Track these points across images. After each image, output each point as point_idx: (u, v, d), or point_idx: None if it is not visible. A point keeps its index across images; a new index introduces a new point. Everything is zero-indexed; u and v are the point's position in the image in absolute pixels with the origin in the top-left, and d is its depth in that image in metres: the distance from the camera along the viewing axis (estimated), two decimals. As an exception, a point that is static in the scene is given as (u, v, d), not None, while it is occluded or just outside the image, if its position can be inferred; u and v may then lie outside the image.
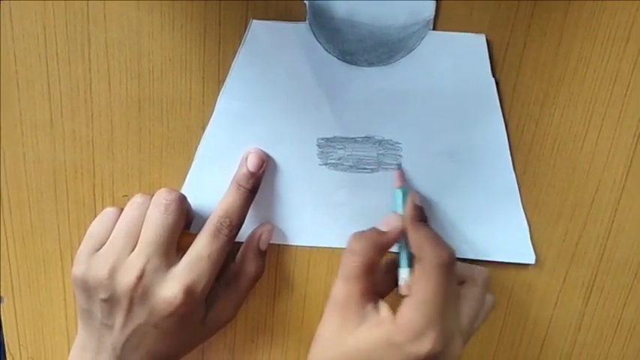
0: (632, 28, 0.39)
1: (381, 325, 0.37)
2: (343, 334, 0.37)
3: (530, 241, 0.44)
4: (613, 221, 0.44)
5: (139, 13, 0.39)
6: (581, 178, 0.43)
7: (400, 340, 0.36)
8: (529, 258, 0.44)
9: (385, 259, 0.41)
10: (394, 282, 0.40)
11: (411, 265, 0.39)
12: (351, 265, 0.38)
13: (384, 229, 0.39)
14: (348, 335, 0.37)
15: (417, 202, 0.41)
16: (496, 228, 0.44)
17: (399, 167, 0.42)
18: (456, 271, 0.38)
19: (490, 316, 0.46)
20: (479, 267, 0.42)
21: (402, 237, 0.40)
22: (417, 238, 0.38)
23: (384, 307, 0.38)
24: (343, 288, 0.38)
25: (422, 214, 0.41)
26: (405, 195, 0.41)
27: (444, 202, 0.43)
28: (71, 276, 0.41)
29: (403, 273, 0.39)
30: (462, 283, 0.40)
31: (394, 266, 0.41)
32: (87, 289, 0.40)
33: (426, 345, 0.35)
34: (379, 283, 0.40)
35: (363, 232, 0.39)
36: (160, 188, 0.41)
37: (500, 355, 0.48)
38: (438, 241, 0.38)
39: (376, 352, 0.36)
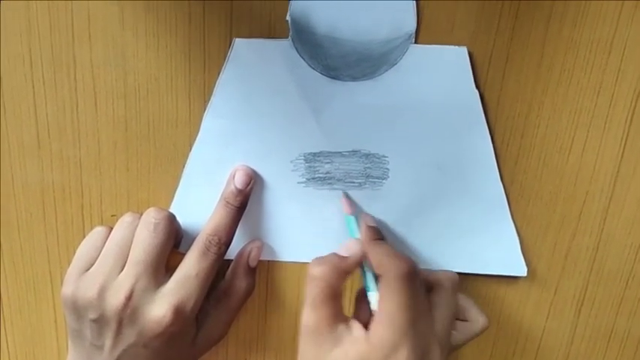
0: (613, 39, 0.39)
1: (355, 344, 0.36)
2: (320, 359, 0.37)
3: (521, 254, 0.44)
4: (602, 231, 0.44)
5: (123, 33, 0.39)
6: (568, 189, 0.43)
7: (375, 358, 0.35)
8: (521, 270, 0.44)
9: (359, 287, 0.41)
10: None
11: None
12: (315, 291, 0.37)
13: (344, 254, 0.39)
14: (325, 359, 0.36)
15: (370, 223, 0.41)
16: (486, 240, 0.44)
17: (345, 194, 0.42)
18: (420, 281, 0.38)
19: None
20: (446, 272, 0.42)
21: (363, 261, 0.39)
22: (375, 256, 0.38)
23: (356, 327, 0.37)
24: (312, 315, 0.37)
25: (378, 233, 0.40)
26: (357, 220, 0.41)
27: (433, 215, 0.43)
28: (61, 296, 0.41)
29: (372, 297, 0.38)
30: (430, 290, 0.40)
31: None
32: (76, 309, 0.40)
33: (400, 359, 0.35)
34: (357, 311, 0.39)
35: (323, 257, 0.39)
36: (148, 207, 0.41)
37: (494, 368, 0.48)
38: (397, 254, 0.37)
39: None
